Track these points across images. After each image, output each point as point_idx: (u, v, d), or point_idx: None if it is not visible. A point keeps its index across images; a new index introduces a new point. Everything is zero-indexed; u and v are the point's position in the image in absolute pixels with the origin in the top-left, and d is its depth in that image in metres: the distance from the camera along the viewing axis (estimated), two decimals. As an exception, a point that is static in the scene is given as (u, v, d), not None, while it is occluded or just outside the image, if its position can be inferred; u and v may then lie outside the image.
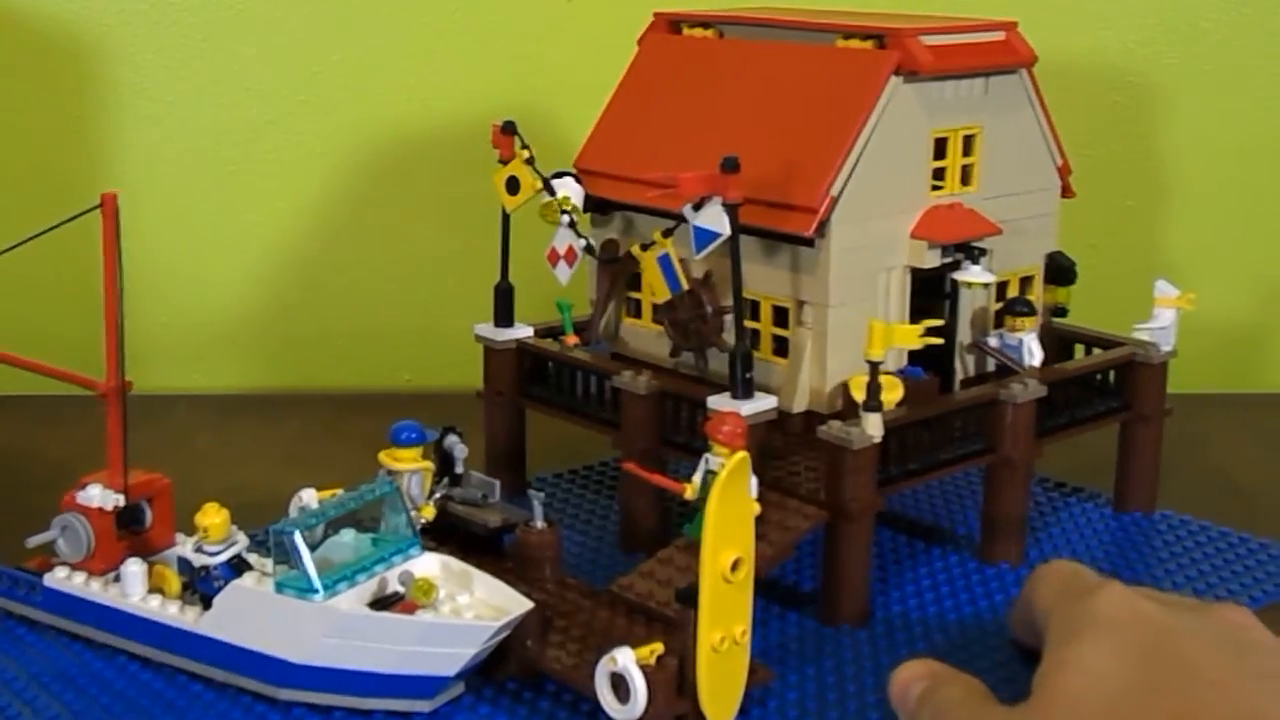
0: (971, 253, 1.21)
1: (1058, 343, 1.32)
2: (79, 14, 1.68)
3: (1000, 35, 1.24)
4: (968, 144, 1.23)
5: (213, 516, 1.02)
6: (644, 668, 0.94)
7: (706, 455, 1.06)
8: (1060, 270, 1.31)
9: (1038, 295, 1.30)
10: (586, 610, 1.07)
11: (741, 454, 0.93)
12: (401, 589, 0.99)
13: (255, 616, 0.99)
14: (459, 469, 1.18)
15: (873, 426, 1.08)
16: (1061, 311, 1.33)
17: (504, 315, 1.32)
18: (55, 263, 1.55)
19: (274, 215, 1.74)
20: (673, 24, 1.35)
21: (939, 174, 1.22)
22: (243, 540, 1.04)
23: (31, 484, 1.12)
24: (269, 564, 1.02)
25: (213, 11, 1.69)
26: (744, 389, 1.13)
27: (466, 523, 1.15)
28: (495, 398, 1.32)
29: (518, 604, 0.99)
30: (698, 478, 1.07)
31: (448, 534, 1.14)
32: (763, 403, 1.13)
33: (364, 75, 1.71)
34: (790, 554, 1.10)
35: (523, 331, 1.32)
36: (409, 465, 1.12)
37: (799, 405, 1.19)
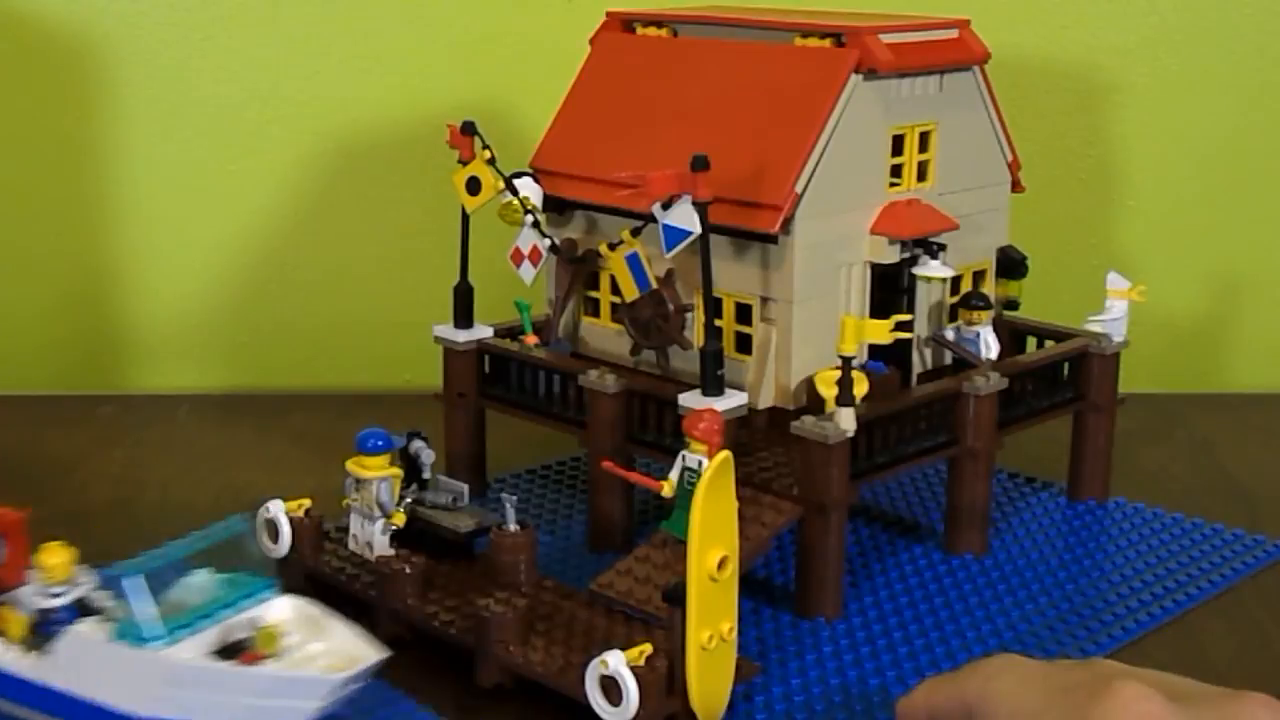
0: (930, 248, 1.23)
1: (1009, 336, 1.34)
2: (78, 13, 1.65)
3: (954, 33, 1.25)
4: (924, 140, 1.24)
5: (54, 556, 0.94)
6: (634, 669, 0.94)
7: (683, 453, 1.06)
8: (1011, 264, 1.33)
9: (990, 289, 1.32)
10: (566, 611, 1.07)
11: (725, 453, 0.94)
12: (247, 636, 0.93)
13: (94, 665, 0.91)
14: (426, 474, 1.17)
15: (847, 421, 1.09)
16: (1013, 305, 1.35)
17: (464, 316, 1.31)
18: (51, 263, 1.54)
19: (276, 215, 1.72)
20: (625, 23, 1.34)
21: (896, 170, 1.23)
22: (89, 581, 0.96)
23: (31, 484, 1.08)
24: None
25: (212, 11, 1.67)
26: (715, 386, 1.13)
27: (437, 528, 1.14)
28: (457, 399, 1.31)
29: (369, 653, 0.92)
30: (674, 475, 1.07)
31: (418, 540, 1.13)
32: (735, 399, 1.14)
33: (366, 75, 1.69)
34: (768, 549, 1.11)
35: (483, 332, 1.31)
36: (377, 472, 1.11)
37: (764, 401, 1.20)
